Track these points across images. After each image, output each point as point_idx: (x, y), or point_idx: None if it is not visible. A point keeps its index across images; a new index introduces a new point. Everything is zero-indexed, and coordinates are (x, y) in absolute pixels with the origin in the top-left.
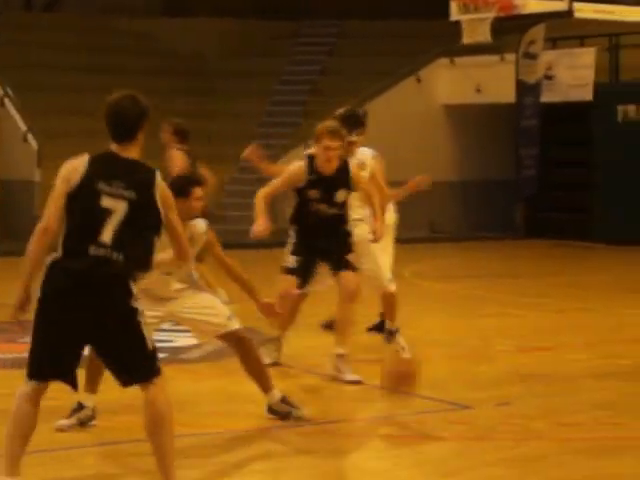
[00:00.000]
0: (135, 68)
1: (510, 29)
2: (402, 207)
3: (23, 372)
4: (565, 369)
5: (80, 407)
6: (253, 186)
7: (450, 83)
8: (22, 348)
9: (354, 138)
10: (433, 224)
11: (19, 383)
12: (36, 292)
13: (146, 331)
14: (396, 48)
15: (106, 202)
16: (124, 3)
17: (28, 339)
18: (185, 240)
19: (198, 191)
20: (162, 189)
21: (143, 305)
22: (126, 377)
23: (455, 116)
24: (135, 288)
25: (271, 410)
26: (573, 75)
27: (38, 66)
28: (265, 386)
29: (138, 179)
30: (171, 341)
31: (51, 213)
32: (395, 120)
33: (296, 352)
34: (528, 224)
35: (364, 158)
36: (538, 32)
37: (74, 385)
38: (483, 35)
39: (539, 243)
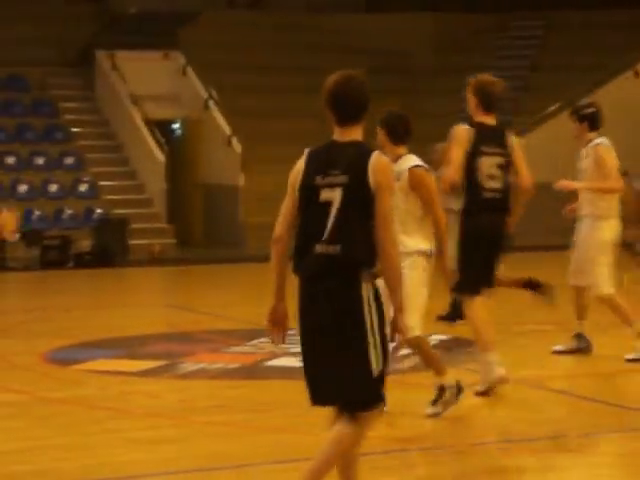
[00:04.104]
0: (340, 67)
1: None
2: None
3: (227, 383)
4: None
5: (442, 390)
6: None
7: None
8: (227, 358)
9: None
10: None
11: (223, 394)
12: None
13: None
14: (610, 40)
15: (324, 195)
16: None
17: (234, 349)
18: (392, 236)
19: None
20: (378, 169)
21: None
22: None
23: None
24: (366, 289)
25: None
26: None
27: (241, 66)
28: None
29: (354, 161)
30: None
31: (279, 223)
32: (611, 116)
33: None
34: None
35: None
36: None
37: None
38: None
39: None
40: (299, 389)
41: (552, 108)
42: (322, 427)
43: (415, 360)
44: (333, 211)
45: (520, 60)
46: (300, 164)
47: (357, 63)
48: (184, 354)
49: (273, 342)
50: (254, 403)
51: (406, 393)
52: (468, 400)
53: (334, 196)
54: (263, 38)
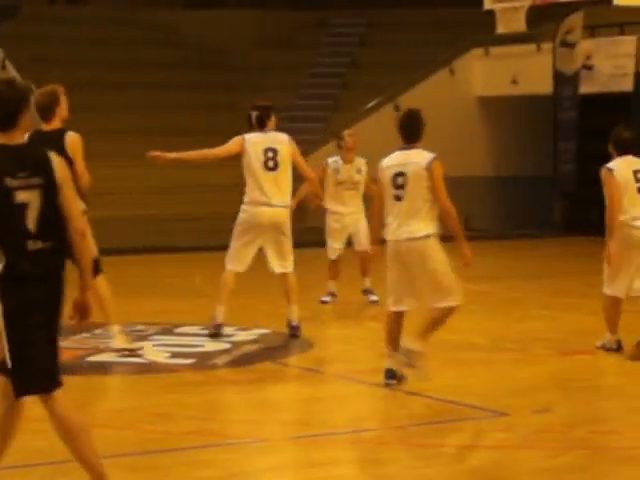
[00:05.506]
0: (159, 62)
1: (546, 17)
2: None
3: None
4: (607, 375)
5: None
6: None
7: (485, 74)
8: None
9: None
10: (467, 221)
11: None
12: None
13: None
14: (427, 38)
15: (19, 197)
16: None
17: None
18: (81, 222)
19: None
20: (59, 167)
21: None
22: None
23: (490, 108)
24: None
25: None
26: (613, 65)
27: (61, 62)
28: None
29: (40, 163)
30: (201, 346)
31: None
32: (428, 113)
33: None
34: (567, 221)
35: None
36: (576, 20)
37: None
38: (518, 24)
39: (579, 241)
40: (119, 385)
41: (370, 104)
42: (144, 422)
43: (232, 356)
44: (33, 211)
45: (341, 57)
46: None
47: (177, 59)
48: None
49: None
50: (73, 399)
51: (217, 392)
52: (279, 393)
53: (31, 197)
54: (83, 33)
